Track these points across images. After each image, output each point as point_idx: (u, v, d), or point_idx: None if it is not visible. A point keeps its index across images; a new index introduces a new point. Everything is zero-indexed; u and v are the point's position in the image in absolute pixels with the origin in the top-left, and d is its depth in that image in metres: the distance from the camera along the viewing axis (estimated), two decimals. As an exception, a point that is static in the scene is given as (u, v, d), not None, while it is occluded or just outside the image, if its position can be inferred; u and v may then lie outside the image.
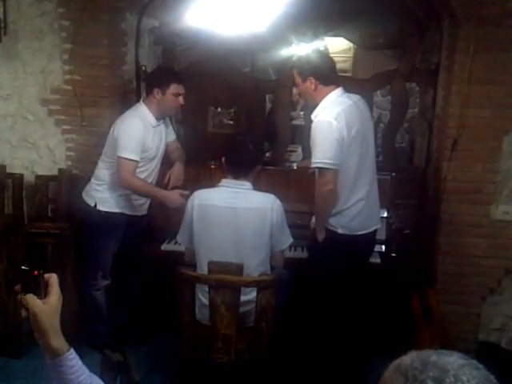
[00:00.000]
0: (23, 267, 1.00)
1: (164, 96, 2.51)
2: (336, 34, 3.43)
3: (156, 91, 2.51)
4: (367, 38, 3.29)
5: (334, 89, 2.27)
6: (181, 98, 2.55)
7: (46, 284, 1.00)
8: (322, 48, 3.69)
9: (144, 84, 3.14)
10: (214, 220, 2.18)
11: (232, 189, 2.20)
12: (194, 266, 2.26)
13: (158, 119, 2.58)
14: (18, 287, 1.00)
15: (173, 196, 2.46)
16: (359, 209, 2.28)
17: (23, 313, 0.98)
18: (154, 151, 2.59)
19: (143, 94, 3.14)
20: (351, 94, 2.32)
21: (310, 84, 2.26)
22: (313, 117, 2.27)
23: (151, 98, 2.54)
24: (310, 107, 2.38)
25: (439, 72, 2.91)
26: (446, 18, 2.80)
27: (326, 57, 2.38)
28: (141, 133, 2.47)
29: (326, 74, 2.27)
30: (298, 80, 2.31)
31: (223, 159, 2.27)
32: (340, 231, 2.28)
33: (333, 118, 2.15)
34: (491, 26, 2.53)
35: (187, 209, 2.23)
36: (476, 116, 2.64)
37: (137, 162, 2.46)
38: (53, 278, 1.01)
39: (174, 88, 2.51)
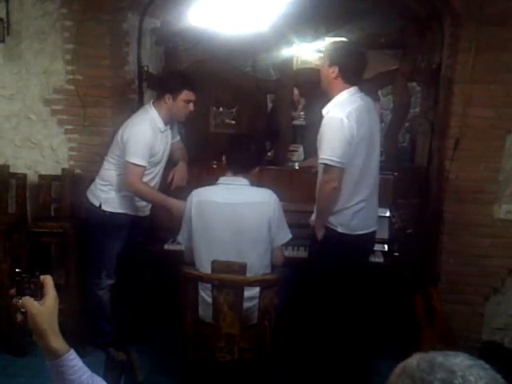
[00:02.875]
0: (17, 270, 0.99)
1: (175, 102, 2.52)
2: (337, 33, 3.42)
3: (167, 97, 2.51)
4: (368, 37, 3.29)
5: (350, 87, 2.26)
6: (191, 105, 2.56)
7: (42, 286, 1.00)
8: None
9: (145, 83, 3.15)
10: (212, 216, 2.19)
11: (230, 185, 2.24)
12: (194, 265, 2.27)
13: (166, 124, 2.59)
14: (12, 291, 0.99)
15: (180, 206, 2.43)
16: (359, 209, 2.28)
17: (19, 317, 0.98)
18: (160, 156, 2.60)
19: (145, 95, 3.16)
20: (363, 95, 2.31)
21: (332, 73, 2.24)
22: (324, 112, 2.26)
23: (162, 102, 2.54)
24: (312, 107, 2.38)
25: (441, 71, 2.91)
26: (448, 18, 2.80)
27: (359, 56, 2.30)
28: (150, 138, 2.48)
29: (351, 73, 2.25)
30: (325, 62, 2.28)
31: (224, 157, 2.29)
32: (339, 230, 2.28)
33: (344, 115, 2.15)
34: (493, 26, 2.53)
35: (187, 207, 2.26)
36: (478, 115, 2.64)
37: (145, 167, 2.47)
38: (47, 280, 1.01)
39: (185, 95, 2.52)
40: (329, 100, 2.29)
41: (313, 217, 2.36)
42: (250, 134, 3.16)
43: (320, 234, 2.30)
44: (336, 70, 2.23)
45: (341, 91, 2.25)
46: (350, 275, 2.31)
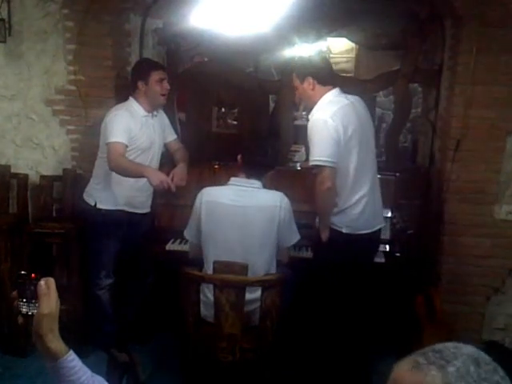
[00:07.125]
0: (22, 272, 0.99)
1: (148, 85, 2.54)
2: (339, 34, 3.43)
3: (140, 84, 2.55)
4: (370, 38, 3.30)
5: (331, 89, 2.30)
6: (165, 83, 2.58)
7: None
8: (322, 49, 3.72)
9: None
10: (222, 218, 2.19)
11: (241, 187, 2.22)
12: (198, 261, 2.27)
13: (148, 111, 2.59)
14: (14, 293, 0.99)
15: (155, 175, 2.36)
16: (363, 207, 2.29)
17: (20, 319, 0.98)
18: (146, 141, 2.57)
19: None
20: (349, 95, 2.33)
21: (308, 85, 2.29)
22: (310, 116, 2.30)
23: (137, 91, 2.57)
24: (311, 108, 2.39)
25: (442, 73, 2.92)
26: (449, 19, 2.81)
27: (323, 58, 2.46)
28: (126, 119, 2.48)
29: (324, 74, 2.30)
30: (297, 82, 2.34)
31: (239, 158, 2.28)
32: (344, 231, 2.29)
33: (328, 116, 2.18)
34: (494, 27, 2.54)
35: (196, 205, 2.25)
36: (479, 116, 2.65)
37: (124, 144, 2.43)
38: (49, 282, 1.00)
39: (154, 74, 2.54)
40: None
41: (317, 219, 2.36)
42: (269, 136, 3.15)
43: (324, 236, 2.30)
44: (310, 79, 2.28)
45: (324, 95, 2.28)
46: (354, 275, 2.32)
